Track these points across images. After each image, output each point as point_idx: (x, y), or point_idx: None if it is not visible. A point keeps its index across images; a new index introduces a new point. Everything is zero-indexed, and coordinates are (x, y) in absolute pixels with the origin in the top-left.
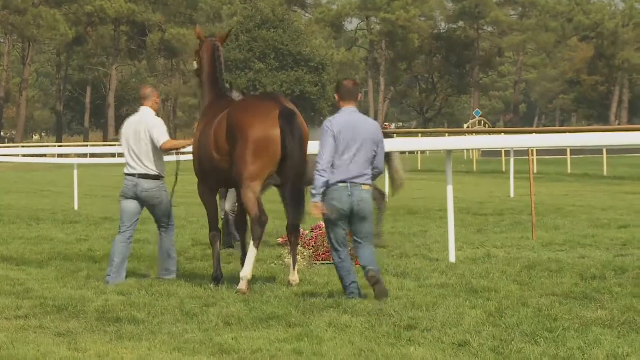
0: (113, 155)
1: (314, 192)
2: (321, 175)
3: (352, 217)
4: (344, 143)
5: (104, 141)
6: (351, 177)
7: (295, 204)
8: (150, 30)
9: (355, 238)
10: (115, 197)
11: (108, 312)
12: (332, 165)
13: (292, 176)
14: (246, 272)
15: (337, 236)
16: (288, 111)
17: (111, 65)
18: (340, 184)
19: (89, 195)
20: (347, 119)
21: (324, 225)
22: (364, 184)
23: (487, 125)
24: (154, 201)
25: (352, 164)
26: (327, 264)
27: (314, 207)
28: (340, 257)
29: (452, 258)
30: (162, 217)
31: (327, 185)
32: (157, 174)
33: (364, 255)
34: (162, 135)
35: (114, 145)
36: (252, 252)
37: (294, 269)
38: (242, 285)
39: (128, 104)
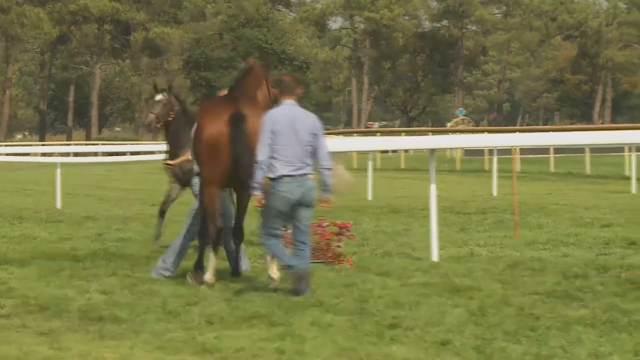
0: (96, 154)
1: (255, 185)
2: (261, 168)
3: (297, 206)
4: (285, 135)
5: (87, 140)
6: (296, 168)
7: (242, 209)
8: (134, 29)
9: (297, 224)
10: (98, 195)
11: (90, 311)
12: (277, 158)
13: (241, 179)
14: (208, 276)
15: (272, 227)
16: (237, 115)
17: (95, 64)
18: (287, 176)
19: (71, 194)
20: (286, 112)
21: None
22: (309, 174)
23: (470, 124)
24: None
25: (294, 156)
26: (311, 262)
27: (255, 199)
28: (272, 245)
29: (435, 257)
30: None
31: (274, 178)
32: None
33: (302, 255)
34: None
35: (97, 144)
36: (211, 259)
37: (273, 266)
38: (208, 278)
39: (112, 103)
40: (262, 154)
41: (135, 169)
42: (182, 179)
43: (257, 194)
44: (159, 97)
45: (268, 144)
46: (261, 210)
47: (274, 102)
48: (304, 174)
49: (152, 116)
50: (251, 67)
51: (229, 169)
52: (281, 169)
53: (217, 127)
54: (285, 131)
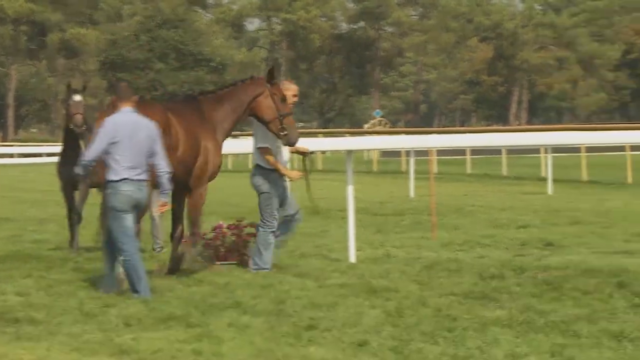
0: (12, 156)
1: (83, 163)
2: (86, 166)
3: (133, 208)
4: (126, 142)
5: (3, 141)
6: (136, 173)
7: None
8: (50, 30)
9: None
10: (14, 197)
11: (6, 312)
12: (119, 163)
13: None
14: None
15: (127, 228)
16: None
17: (10, 65)
18: (128, 179)
19: None
20: (126, 119)
21: (224, 225)
22: (145, 180)
23: (387, 125)
24: None
25: (135, 162)
26: (227, 264)
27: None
28: (129, 251)
29: (352, 258)
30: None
31: (117, 180)
32: None
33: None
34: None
35: (13, 146)
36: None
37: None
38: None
39: (28, 104)
40: (90, 154)
41: (51, 170)
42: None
43: (79, 172)
44: (78, 97)
45: (98, 148)
46: (111, 213)
47: (280, 115)
48: (142, 180)
49: (80, 117)
50: (251, 78)
51: None
52: (123, 173)
53: None
54: (126, 137)
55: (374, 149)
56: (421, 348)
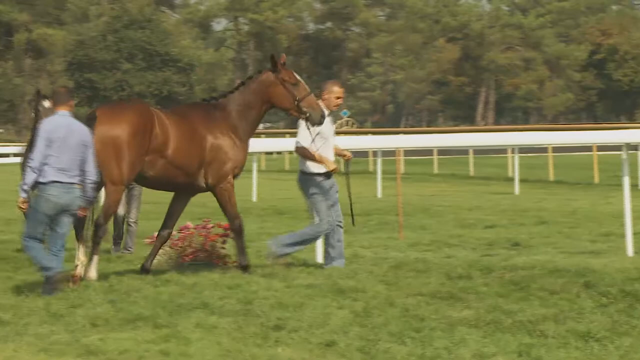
0: None
1: (24, 187)
2: (33, 172)
3: (61, 212)
4: (60, 145)
5: None
6: (67, 176)
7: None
8: (16, 30)
9: (57, 229)
10: None
11: None
12: (50, 165)
13: None
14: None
15: (37, 231)
16: (90, 116)
17: None
18: (57, 182)
19: None
20: (62, 122)
21: (191, 226)
22: (77, 183)
23: (354, 126)
24: None
25: (67, 165)
26: (195, 264)
27: (21, 202)
28: (32, 248)
29: (320, 258)
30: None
31: (45, 182)
32: None
33: (57, 260)
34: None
35: None
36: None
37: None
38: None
39: None
40: (35, 159)
41: (18, 170)
42: None
43: (24, 197)
44: (48, 103)
45: (41, 151)
46: (26, 213)
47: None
48: (73, 183)
49: None
50: (259, 72)
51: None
52: (52, 175)
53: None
54: (60, 141)
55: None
56: (389, 348)
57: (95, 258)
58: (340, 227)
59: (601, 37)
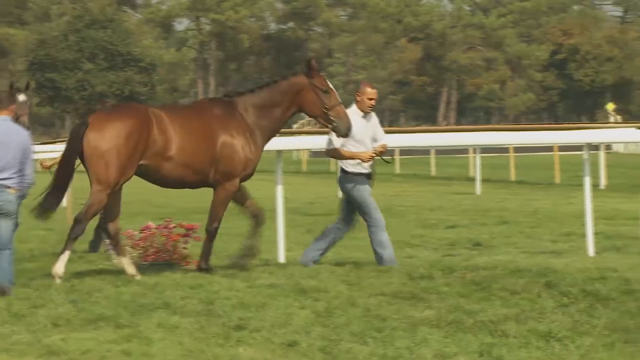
0: None
1: None
2: None
3: None
4: None
5: None
6: (2, 179)
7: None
8: None
9: None
10: None
11: None
12: None
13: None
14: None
15: None
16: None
17: None
18: None
19: None
20: (1, 126)
21: (153, 226)
22: (12, 187)
23: (316, 125)
24: None
25: (3, 167)
26: (156, 264)
27: None
28: None
29: (282, 258)
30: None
31: None
32: None
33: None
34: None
35: None
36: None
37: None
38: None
39: None
40: None
41: None
42: None
43: None
44: (23, 97)
45: None
46: None
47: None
48: (7, 186)
49: (26, 119)
50: (293, 74)
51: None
52: None
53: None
54: None
55: (303, 149)
56: (350, 348)
57: (67, 254)
58: (344, 230)
59: (562, 37)
